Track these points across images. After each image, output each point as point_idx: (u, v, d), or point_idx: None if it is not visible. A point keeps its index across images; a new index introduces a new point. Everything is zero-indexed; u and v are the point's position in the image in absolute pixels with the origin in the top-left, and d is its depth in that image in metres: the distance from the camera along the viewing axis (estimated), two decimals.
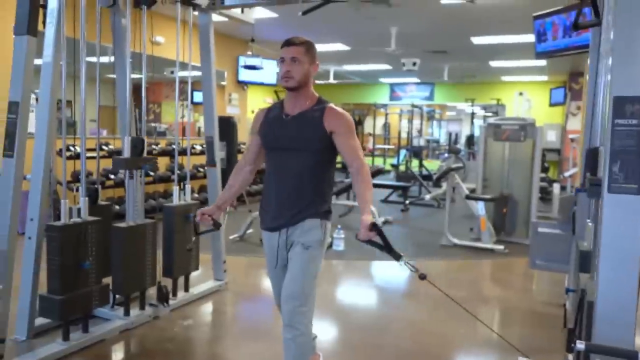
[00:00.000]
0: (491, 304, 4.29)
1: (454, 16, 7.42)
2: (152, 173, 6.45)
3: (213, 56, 3.92)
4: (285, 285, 2.26)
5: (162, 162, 7.62)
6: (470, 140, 13.84)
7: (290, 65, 2.20)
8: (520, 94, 8.98)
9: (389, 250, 2.08)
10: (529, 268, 4.18)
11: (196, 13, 3.87)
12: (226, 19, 4.19)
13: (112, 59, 3.58)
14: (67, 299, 2.90)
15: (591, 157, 2.15)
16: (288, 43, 2.23)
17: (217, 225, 2.42)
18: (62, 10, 2.92)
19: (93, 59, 3.42)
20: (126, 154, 3.27)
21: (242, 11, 4.16)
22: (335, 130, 2.23)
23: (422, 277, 2.07)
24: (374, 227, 2.01)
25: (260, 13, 7.00)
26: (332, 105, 2.30)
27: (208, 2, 3.81)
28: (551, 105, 12.97)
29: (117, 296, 3.50)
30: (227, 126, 4.70)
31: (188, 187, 3.84)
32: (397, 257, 2.08)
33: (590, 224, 2.69)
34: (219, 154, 4.06)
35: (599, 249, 1.68)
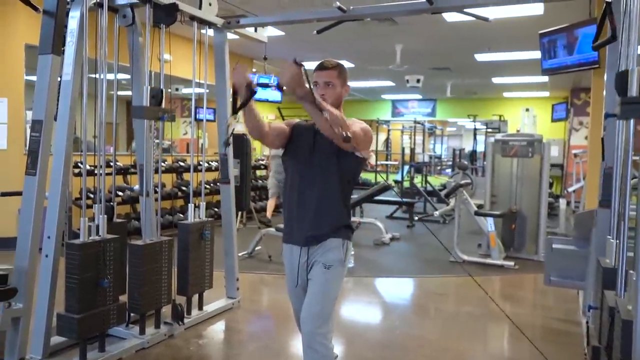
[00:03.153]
0: (505, 320, 4.25)
1: (458, 33, 7.50)
2: (157, 190, 6.46)
3: (228, 74, 3.95)
4: (305, 306, 2.24)
5: (168, 179, 7.63)
6: (473, 156, 13.87)
7: (324, 89, 2.24)
8: (527, 109, 9.02)
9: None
10: (544, 284, 4.15)
11: (211, 33, 3.90)
12: (234, 37, 4.21)
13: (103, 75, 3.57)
14: (85, 317, 2.88)
15: (620, 80, 1.99)
16: (321, 67, 2.27)
17: (252, 92, 2.08)
18: (84, 30, 2.95)
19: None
20: (145, 102, 3.20)
21: (256, 30, 4.20)
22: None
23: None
24: (297, 62, 1.83)
25: (268, 31, 7.06)
26: (354, 118, 2.34)
27: (223, 22, 3.85)
28: (553, 120, 13.05)
29: (131, 314, 3.47)
30: (241, 144, 4.72)
31: (203, 204, 3.84)
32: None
33: (612, 240, 2.69)
34: (233, 171, 4.07)
35: (635, 266, 1.68)
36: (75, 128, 3.15)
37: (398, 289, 5.32)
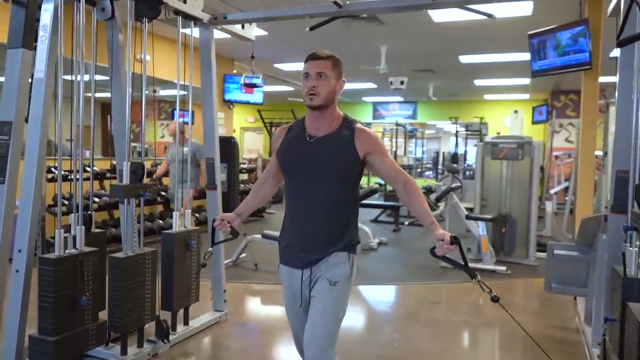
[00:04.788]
0: (502, 329, 4.11)
1: (444, 35, 7.38)
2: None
3: (214, 73, 3.72)
4: (309, 328, 2.02)
5: None
6: (455, 158, 13.84)
7: (316, 81, 2.00)
8: (515, 111, 9.00)
9: (465, 267, 1.94)
10: (545, 292, 4.02)
11: (192, 31, 3.66)
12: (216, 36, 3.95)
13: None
14: (61, 339, 2.62)
15: None
16: (313, 57, 2.04)
17: (235, 234, 2.30)
18: (60, 23, 2.69)
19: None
20: (125, 180, 3.01)
21: (243, 27, 3.97)
22: (370, 151, 2.05)
23: (495, 299, 1.97)
24: (454, 240, 1.88)
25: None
26: (359, 124, 2.11)
27: (210, 17, 3.61)
28: (534, 123, 13.09)
29: (111, 332, 3.20)
30: (228, 147, 4.46)
31: (188, 212, 3.59)
32: (472, 274, 1.95)
33: (630, 248, 2.55)
34: (220, 176, 3.83)
35: None
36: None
37: (391, 297, 5.14)
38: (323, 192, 2.04)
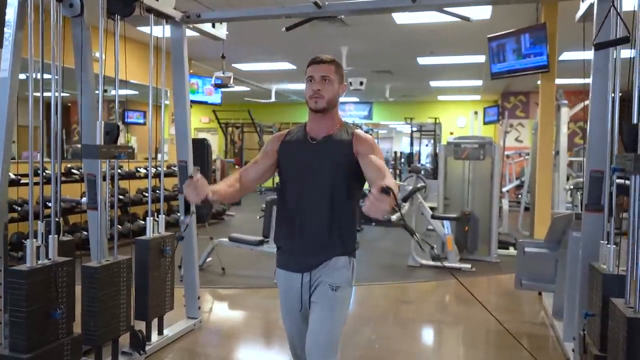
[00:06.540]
0: (475, 326, 4.19)
1: (405, 36, 7.48)
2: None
3: (187, 72, 3.60)
4: (310, 335, 1.99)
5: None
6: (410, 158, 14.09)
7: (320, 84, 2.01)
8: (475, 112, 9.26)
9: (404, 224, 1.87)
10: (515, 288, 4.14)
11: (158, 31, 3.53)
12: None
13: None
14: (35, 356, 2.45)
15: (630, 135, 2.14)
16: (316, 61, 2.04)
17: (206, 203, 1.90)
18: (30, 18, 2.54)
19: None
20: (98, 141, 2.82)
21: (214, 26, 3.87)
22: (360, 150, 2.01)
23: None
24: (386, 191, 1.52)
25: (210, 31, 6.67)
26: (359, 130, 2.13)
27: (182, 15, 3.49)
28: (485, 123, 13.51)
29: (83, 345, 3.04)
30: (201, 149, 4.33)
31: (162, 216, 3.46)
32: (411, 232, 1.87)
33: (609, 245, 2.65)
34: None
35: None
36: None
37: (364, 298, 5.14)
38: (323, 193, 2.01)
